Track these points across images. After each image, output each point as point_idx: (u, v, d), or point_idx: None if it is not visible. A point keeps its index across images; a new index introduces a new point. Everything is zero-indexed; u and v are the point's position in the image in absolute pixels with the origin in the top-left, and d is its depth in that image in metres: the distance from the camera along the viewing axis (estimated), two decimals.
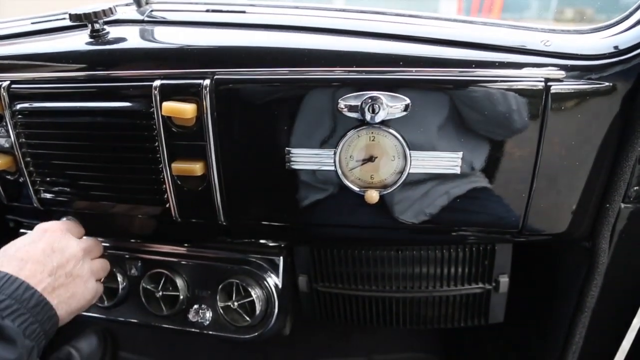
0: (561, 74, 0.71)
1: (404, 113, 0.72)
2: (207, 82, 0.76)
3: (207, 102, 0.76)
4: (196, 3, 0.98)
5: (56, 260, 0.75)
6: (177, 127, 0.79)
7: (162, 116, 0.78)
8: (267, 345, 1.57)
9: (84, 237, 0.89)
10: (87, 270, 0.81)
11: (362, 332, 1.58)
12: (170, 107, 0.76)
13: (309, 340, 1.58)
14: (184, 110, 0.75)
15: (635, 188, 0.79)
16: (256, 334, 0.98)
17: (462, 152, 0.74)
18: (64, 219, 0.97)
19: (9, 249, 0.75)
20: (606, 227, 0.82)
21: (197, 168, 0.80)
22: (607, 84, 0.71)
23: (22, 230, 1.11)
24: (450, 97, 0.72)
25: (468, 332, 1.19)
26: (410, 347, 1.53)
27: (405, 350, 1.53)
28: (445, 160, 0.75)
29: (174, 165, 0.81)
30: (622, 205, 0.81)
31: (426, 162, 0.75)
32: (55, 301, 0.71)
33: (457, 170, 0.75)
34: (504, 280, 0.94)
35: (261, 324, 0.97)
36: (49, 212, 0.98)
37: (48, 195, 0.94)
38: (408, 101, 0.71)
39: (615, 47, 0.71)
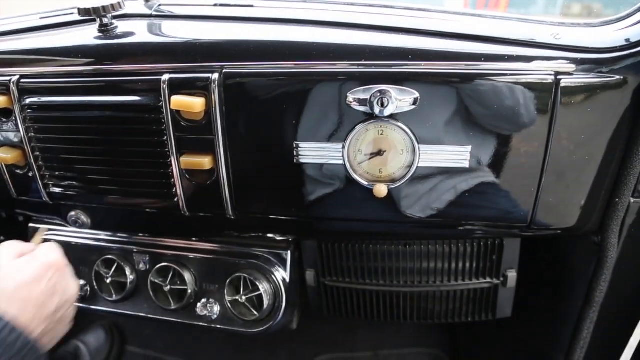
0: (571, 67, 0.71)
1: (413, 107, 0.72)
2: (215, 76, 0.76)
3: (215, 96, 0.76)
4: None
5: (55, 303, 0.71)
6: (185, 121, 0.79)
7: (171, 110, 0.78)
8: (274, 339, 1.58)
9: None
10: (72, 312, 0.78)
11: (369, 327, 1.59)
12: (179, 101, 0.76)
13: (315, 335, 1.58)
14: (193, 104, 0.75)
15: None
16: (264, 328, 0.98)
17: (470, 146, 0.74)
18: (72, 213, 0.98)
19: (8, 283, 0.69)
20: (615, 221, 0.82)
21: (205, 162, 0.80)
22: (617, 77, 0.71)
23: (30, 225, 1.12)
24: (459, 91, 0.71)
25: (475, 327, 1.18)
26: (417, 343, 1.53)
27: (412, 345, 1.53)
28: (454, 154, 0.75)
29: (182, 159, 0.81)
30: (632, 200, 0.80)
31: (435, 156, 0.75)
32: (43, 343, 0.68)
33: (466, 165, 0.75)
34: (512, 275, 0.94)
35: (269, 318, 0.97)
36: (58, 206, 0.99)
37: (57, 190, 0.94)
38: (417, 95, 0.71)
39: (627, 40, 0.71)
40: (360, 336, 1.58)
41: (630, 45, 0.70)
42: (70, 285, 0.76)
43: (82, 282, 1.06)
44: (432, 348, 1.51)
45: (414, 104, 0.71)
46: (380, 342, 1.55)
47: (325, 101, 0.75)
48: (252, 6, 0.91)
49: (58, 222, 1.06)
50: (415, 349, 1.52)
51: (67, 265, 0.78)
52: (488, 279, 0.96)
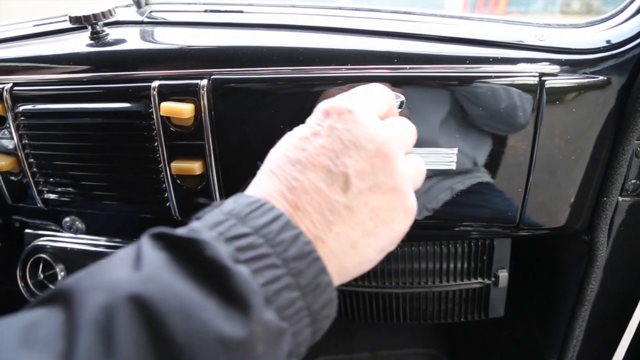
0: (555, 68, 0.71)
1: (399, 110, 0.72)
2: (204, 82, 0.77)
3: (204, 102, 0.77)
4: (195, 3, 0.99)
5: (351, 165, 0.40)
6: (175, 127, 0.80)
7: (161, 116, 0.79)
8: None
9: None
10: (404, 177, 0.43)
11: (367, 329, 1.59)
12: (168, 107, 0.76)
13: None
14: (182, 110, 0.76)
15: (633, 181, 0.79)
16: None
17: (457, 148, 0.75)
18: (67, 218, 0.99)
19: (278, 151, 0.44)
20: (604, 220, 0.82)
21: (195, 167, 0.80)
22: (601, 77, 0.71)
23: (27, 231, 1.13)
24: (444, 94, 0.72)
25: (473, 327, 1.19)
26: (415, 343, 1.53)
27: (410, 346, 1.53)
28: (441, 156, 0.75)
29: (173, 164, 0.82)
30: (620, 199, 0.81)
31: (422, 158, 0.75)
32: (328, 254, 0.39)
33: (453, 166, 0.76)
34: (503, 275, 0.94)
35: None
36: (53, 212, 1.00)
37: (51, 196, 0.95)
38: (402, 98, 0.72)
39: (608, 41, 0.71)
40: (359, 337, 1.59)
41: (612, 46, 0.71)
42: (377, 134, 0.42)
43: None
44: (429, 348, 1.51)
45: (400, 107, 0.72)
46: (378, 343, 1.56)
47: (313, 105, 0.75)
48: (241, 12, 0.91)
49: (54, 228, 1.07)
50: (413, 349, 1.52)
51: (370, 106, 0.46)
52: (480, 279, 0.96)
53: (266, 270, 0.34)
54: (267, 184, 0.41)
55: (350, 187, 0.40)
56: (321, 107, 0.45)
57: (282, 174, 0.41)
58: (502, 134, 0.74)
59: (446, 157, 0.75)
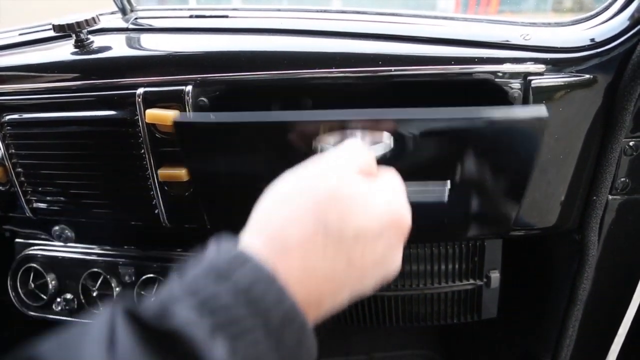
0: (541, 67, 0.71)
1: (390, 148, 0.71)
2: (189, 88, 0.76)
3: (189, 108, 0.76)
4: (180, 9, 0.99)
5: (376, 273, 0.45)
6: (161, 133, 0.80)
7: (147, 123, 0.78)
8: None
9: None
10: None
11: (363, 331, 1.58)
12: (154, 114, 0.76)
13: None
14: (167, 117, 0.75)
15: (622, 179, 0.79)
16: None
17: (449, 181, 0.73)
18: (56, 227, 0.98)
19: (337, 199, 0.42)
20: (594, 219, 0.82)
21: (182, 174, 0.80)
22: (587, 76, 0.71)
23: (17, 240, 1.12)
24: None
25: (467, 327, 1.18)
26: (410, 345, 1.53)
27: (406, 347, 1.53)
28: (431, 194, 0.73)
29: (160, 171, 0.81)
30: (610, 197, 0.81)
31: (413, 195, 0.74)
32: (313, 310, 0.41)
33: (444, 199, 0.74)
34: (495, 275, 0.94)
35: None
36: (42, 222, 0.99)
37: (40, 205, 0.94)
38: (389, 142, 0.69)
39: (592, 40, 0.71)
40: (354, 340, 1.58)
41: (595, 44, 0.71)
42: (399, 257, 0.48)
43: (69, 296, 1.06)
44: (425, 350, 1.51)
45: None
46: (374, 345, 1.55)
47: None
48: (226, 17, 0.91)
49: (44, 237, 1.07)
50: (409, 350, 1.52)
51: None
52: (471, 281, 0.96)
53: (254, 346, 0.34)
54: (323, 257, 0.41)
55: (364, 279, 0.45)
56: (398, 217, 0.46)
57: (341, 248, 0.42)
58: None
59: (437, 194, 0.72)
